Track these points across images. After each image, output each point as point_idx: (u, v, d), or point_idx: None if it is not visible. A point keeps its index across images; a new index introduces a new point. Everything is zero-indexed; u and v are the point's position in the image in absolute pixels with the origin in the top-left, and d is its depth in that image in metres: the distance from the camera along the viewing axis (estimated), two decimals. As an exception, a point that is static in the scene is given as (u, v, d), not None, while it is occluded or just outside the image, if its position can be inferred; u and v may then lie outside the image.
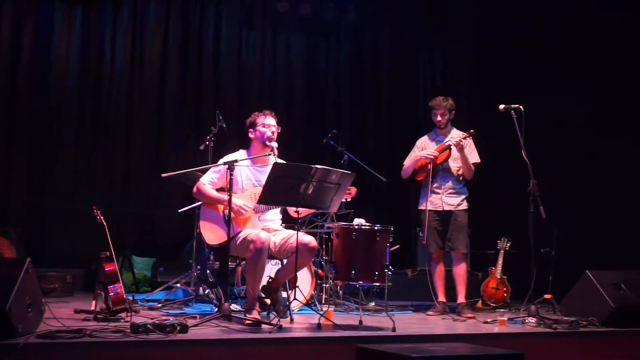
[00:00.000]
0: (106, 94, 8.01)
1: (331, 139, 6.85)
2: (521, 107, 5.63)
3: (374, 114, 9.31)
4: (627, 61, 7.29)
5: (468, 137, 5.98)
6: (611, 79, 7.33)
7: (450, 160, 6.04)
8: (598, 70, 7.46)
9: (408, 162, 6.22)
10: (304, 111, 8.91)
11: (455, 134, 6.06)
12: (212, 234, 5.12)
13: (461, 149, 5.93)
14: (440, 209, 6.03)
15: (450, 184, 6.05)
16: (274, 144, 5.18)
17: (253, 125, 5.29)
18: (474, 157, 6.06)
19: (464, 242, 6.03)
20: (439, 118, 6.12)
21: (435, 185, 6.04)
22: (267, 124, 5.24)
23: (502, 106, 5.75)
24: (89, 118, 7.91)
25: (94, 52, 7.96)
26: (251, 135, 5.30)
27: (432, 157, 6.00)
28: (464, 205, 6.04)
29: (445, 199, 6.03)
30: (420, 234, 7.64)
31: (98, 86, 7.97)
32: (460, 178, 6.07)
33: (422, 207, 6.07)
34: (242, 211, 5.02)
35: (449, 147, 5.98)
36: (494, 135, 6.86)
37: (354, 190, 5.73)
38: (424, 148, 6.17)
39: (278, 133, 5.28)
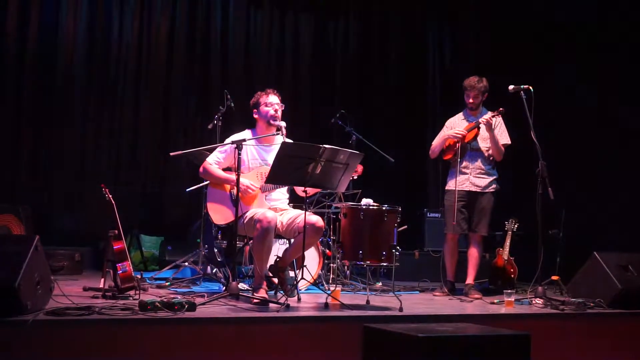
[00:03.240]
0: (113, 73, 8.00)
1: (339, 119, 6.83)
2: (531, 87, 5.59)
3: (382, 94, 9.25)
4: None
5: (497, 115, 5.88)
6: (626, 54, 7.25)
7: (479, 139, 5.95)
8: (615, 46, 7.37)
9: (436, 141, 6.13)
10: (312, 91, 8.87)
11: (486, 114, 5.93)
12: (219, 214, 5.13)
13: (490, 129, 5.85)
14: (467, 189, 5.97)
15: (479, 164, 5.97)
16: (282, 123, 5.17)
17: (257, 105, 5.27)
18: (504, 138, 5.97)
19: (486, 225, 5.97)
20: (471, 100, 6.02)
21: (463, 165, 5.97)
22: (270, 102, 5.22)
23: (511, 87, 5.69)
24: (96, 96, 7.90)
25: (101, 31, 7.94)
26: (255, 116, 5.29)
27: (460, 136, 5.92)
28: (492, 188, 5.97)
29: (473, 180, 5.97)
30: (429, 215, 7.66)
31: (105, 65, 7.96)
32: (491, 159, 5.99)
33: (449, 187, 6.00)
34: (250, 190, 5.02)
35: (477, 126, 5.90)
36: (504, 116, 6.83)
37: (360, 168, 5.72)
38: (454, 128, 6.07)
39: (283, 111, 5.26)
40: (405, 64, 9.32)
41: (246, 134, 5.27)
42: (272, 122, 5.18)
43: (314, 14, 8.98)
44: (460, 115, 6.19)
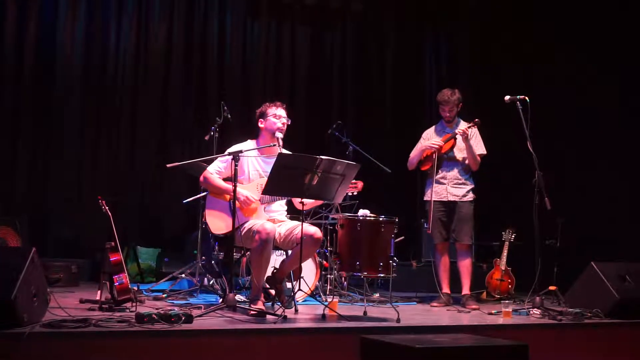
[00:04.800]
0: (110, 83, 7.98)
1: (336, 130, 6.84)
2: (527, 98, 5.62)
3: (379, 105, 9.27)
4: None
5: (473, 126, 5.98)
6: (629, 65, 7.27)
7: (455, 150, 6.02)
8: (613, 54, 7.39)
9: (414, 153, 6.22)
10: (309, 102, 8.87)
11: (462, 125, 6.06)
12: (218, 222, 5.13)
13: (466, 139, 5.92)
14: (445, 199, 6.02)
15: (456, 174, 6.03)
16: (279, 135, 5.18)
17: (263, 115, 5.28)
18: (480, 148, 6.05)
19: (468, 233, 6.02)
20: (447, 114, 6.10)
21: (440, 175, 6.04)
22: (278, 115, 5.24)
23: (507, 97, 5.73)
24: (93, 107, 7.89)
25: (98, 41, 7.93)
26: (261, 125, 5.29)
27: (436, 146, 5.99)
28: (470, 197, 6.03)
29: (450, 190, 6.02)
30: (425, 225, 7.65)
31: (102, 75, 7.95)
32: (467, 169, 6.06)
33: (427, 198, 6.07)
34: (249, 202, 5.02)
35: (453, 137, 5.98)
36: (500, 126, 6.86)
37: (360, 184, 5.73)
38: (431, 139, 6.15)
39: (287, 125, 5.28)
40: (402, 74, 9.32)
41: (248, 144, 5.28)
42: (277, 134, 5.19)
43: (311, 25, 9.00)
44: (436, 127, 6.26)
